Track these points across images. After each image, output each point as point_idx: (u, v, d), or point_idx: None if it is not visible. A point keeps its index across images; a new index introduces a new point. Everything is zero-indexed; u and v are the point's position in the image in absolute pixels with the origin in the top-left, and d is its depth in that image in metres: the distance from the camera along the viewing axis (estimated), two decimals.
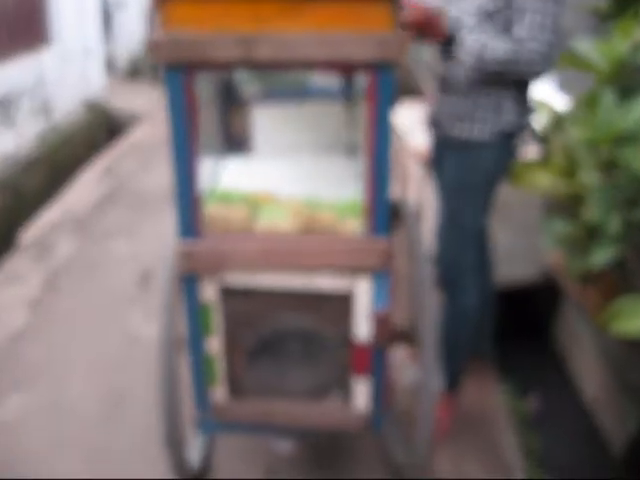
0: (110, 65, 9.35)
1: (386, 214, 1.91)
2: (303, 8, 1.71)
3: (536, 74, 2.20)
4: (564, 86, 4.05)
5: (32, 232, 5.19)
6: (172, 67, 1.76)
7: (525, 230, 3.47)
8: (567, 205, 3.01)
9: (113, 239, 4.88)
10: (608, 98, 2.14)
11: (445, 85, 2.47)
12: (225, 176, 2.38)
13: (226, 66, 1.79)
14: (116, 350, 3.54)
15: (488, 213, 2.58)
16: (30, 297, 4.21)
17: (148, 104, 8.55)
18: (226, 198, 2.07)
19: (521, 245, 3.48)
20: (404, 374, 3.03)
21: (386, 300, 1.98)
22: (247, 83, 2.67)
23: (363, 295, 1.99)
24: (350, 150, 2.60)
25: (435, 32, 2.19)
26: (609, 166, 2.16)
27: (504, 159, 2.50)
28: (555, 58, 2.19)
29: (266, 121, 2.65)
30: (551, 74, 4.40)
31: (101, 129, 7.96)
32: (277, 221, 2.02)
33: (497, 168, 2.49)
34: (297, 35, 1.71)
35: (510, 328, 3.24)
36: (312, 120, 2.63)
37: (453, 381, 2.74)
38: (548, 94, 3.94)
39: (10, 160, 6.06)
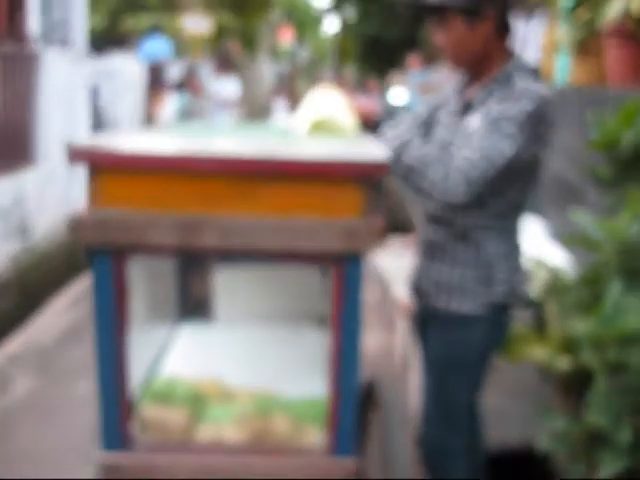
0: None
1: (353, 426, 1.59)
2: (257, 189, 1.44)
3: (452, 193, 1.92)
4: (557, 235, 3.85)
5: None
6: (98, 250, 1.48)
7: (517, 393, 3.18)
8: (566, 384, 2.70)
9: (74, 379, 4.51)
10: (615, 290, 1.86)
11: (429, 249, 2.22)
12: (172, 355, 2.07)
13: (164, 252, 1.51)
14: None
15: (479, 392, 2.26)
16: None
17: None
18: (165, 396, 1.75)
19: (512, 409, 3.19)
20: None
21: None
22: None
23: None
24: (324, 321, 2.30)
25: (366, 116, 2.20)
26: (617, 367, 1.86)
27: (496, 333, 2.23)
28: (486, 192, 1.95)
29: (230, 284, 2.37)
30: (542, 222, 4.22)
31: (83, 250, 7.70)
32: (223, 427, 1.69)
33: (489, 343, 2.21)
34: (250, 220, 1.43)
35: None
36: (283, 285, 2.35)
37: None
38: (540, 246, 3.71)
39: None
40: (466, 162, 1.91)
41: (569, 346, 2.50)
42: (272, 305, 2.34)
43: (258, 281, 2.34)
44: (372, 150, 1.49)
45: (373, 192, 1.45)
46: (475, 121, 2.02)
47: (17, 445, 3.75)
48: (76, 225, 1.44)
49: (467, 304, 2.13)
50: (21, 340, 5.18)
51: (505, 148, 1.91)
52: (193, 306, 2.43)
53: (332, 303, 1.49)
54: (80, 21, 9.70)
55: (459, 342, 2.17)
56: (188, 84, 7.41)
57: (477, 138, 1.94)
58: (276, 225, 1.43)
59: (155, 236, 1.44)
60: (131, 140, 1.48)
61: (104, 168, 1.43)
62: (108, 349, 1.53)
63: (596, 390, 2.01)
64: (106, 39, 13.86)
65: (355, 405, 1.56)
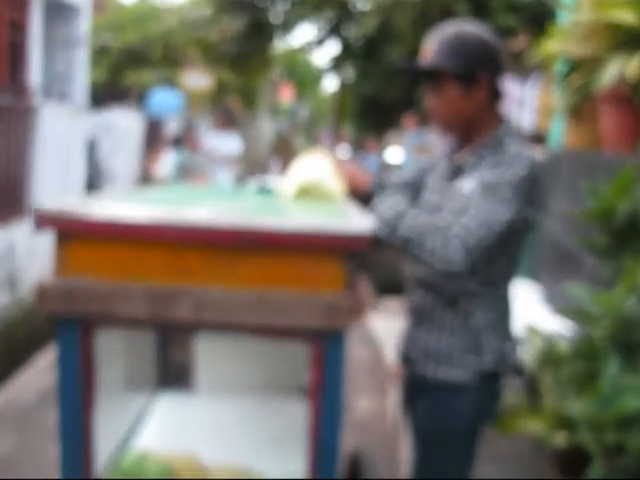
0: None
1: None
2: (233, 260, 1.36)
3: (452, 262, 1.85)
4: (552, 300, 3.77)
5: None
6: (64, 321, 1.39)
7: (511, 465, 3.06)
8: (563, 460, 2.59)
9: (53, 440, 4.35)
10: (612, 369, 1.78)
11: (417, 315, 2.14)
12: (147, 428, 1.96)
13: (135, 324, 1.42)
14: None
15: (469, 467, 2.15)
16: None
17: None
18: (133, 474, 1.64)
19: None
20: None
21: None
22: None
23: None
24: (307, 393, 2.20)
25: (356, 185, 2.14)
26: (615, 450, 1.76)
27: (486, 403, 2.13)
28: (481, 259, 1.88)
29: (211, 353, 2.27)
30: (537, 287, 4.14)
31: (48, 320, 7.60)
32: None
33: (478, 413, 2.12)
34: (225, 293, 1.35)
35: None
36: (266, 355, 2.25)
37: None
38: (534, 311, 3.63)
39: None
40: (464, 229, 1.85)
41: (565, 422, 2.40)
42: (254, 375, 2.24)
43: (240, 351, 2.24)
44: (355, 220, 1.42)
45: (356, 265, 1.37)
46: (468, 185, 1.97)
47: None
48: (41, 294, 1.36)
49: (455, 372, 2.05)
50: (2, 398, 5.05)
51: (502, 213, 1.87)
52: (173, 374, 2.33)
53: (311, 379, 1.40)
54: (81, 75, 9.79)
55: (447, 412, 2.08)
56: (186, 140, 7.39)
57: (473, 204, 1.89)
58: (253, 299, 1.35)
59: (125, 307, 1.36)
60: (102, 205, 1.41)
61: (71, 234, 1.36)
62: (71, 426, 1.44)
63: (594, 472, 1.90)
64: (107, 93, 13.98)
65: None
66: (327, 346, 1.37)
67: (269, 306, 1.34)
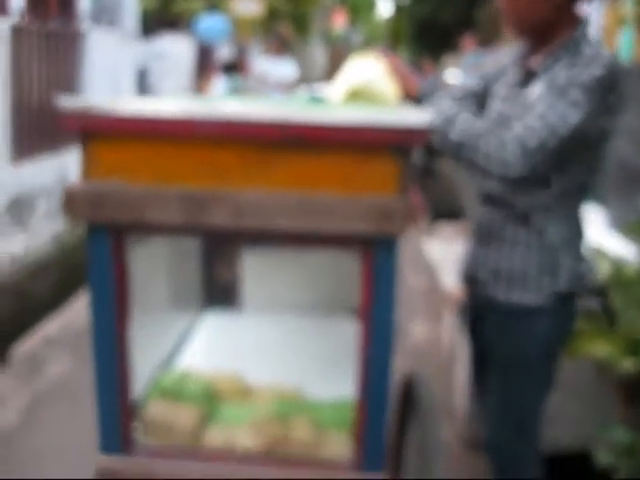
0: None
1: (382, 437, 1.37)
2: (275, 160, 1.23)
3: (509, 165, 1.70)
4: (619, 224, 3.57)
5: (26, 347, 4.77)
6: (94, 229, 1.29)
7: (572, 392, 2.93)
8: (630, 388, 2.44)
9: None
10: None
11: (485, 234, 1.99)
12: (191, 347, 1.88)
13: (168, 231, 1.31)
14: None
15: (548, 392, 2.04)
16: (6, 426, 3.73)
17: None
18: (174, 393, 1.56)
19: (565, 408, 2.94)
20: None
21: None
22: None
23: None
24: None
25: (407, 87, 1.99)
26: None
27: (563, 326, 2.02)
28: (542, 165, 1.74)
29: (258, 269, 2.17)
30: (603, 211, 3.92)
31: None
32: (236, 430, 1.49)
33: (555, 337, 2.01)
34: (265, 196, 1.22)
35: None
36: (316, 270, 2.14)
37: None
38: (601, 235, 3.43)
39: (18, 263, 5.70)
40: (525, 130, 1.70)
41: (634, 347, 2.25)
42: (302, 294, 2.13)
43: (289, 266, 2.14)
44: (410, 115, 1.26)
45: (410, 165, 1.23)
46: (538, 89, 1.80)
47: (46, 431, 3.65)
48: (68, 200, 1.26)
49: (530, 295, 1.92)
50: (58, 322, 5.12)
51: (570, 116, 1.69)
52: (219, 293, 2.24)
53: (361, 294, 1.27)
54: (131, 2, 9.61)
55: (523, 338, 1.96)
56: (239, 65, 7.26)
57: (540, 106, 1.73)
58: (296, 202, 1.21)
59: (157, 213, 1.25)
60: (133, 103, 1.28)
61: (97, 133, 1.24)
62: (106, 340, 1.35)
63: None
64: (157, 20, 13.78)
65: (386, 412, 1.35)
66: (378, 255, 1.24)
67: (313, 210, 1.21)
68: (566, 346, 2.10)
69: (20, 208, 5.75)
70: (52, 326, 5.01)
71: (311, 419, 1.50)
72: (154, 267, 1.84)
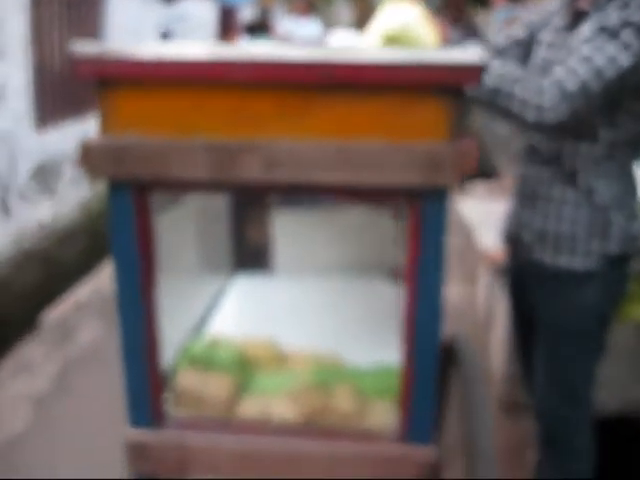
0: None
1: (431, 406, 1.27)
2: (312, 105, 1.11)
3: (548, 111, 1.55)
4: None
5: (56, 313, 4.75)
6: (115, 185, 1.19)
7: (615, 355, 2.82)
8: None
9: None
10: None
11: (530, 193, 1.86)
12: (222, 312, 1.79)
13: (196, 187, 1.20)
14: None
15: (600, 359, 1.93)
16: (37, 393, 3.72)
17: None
18: (205, 361, 1.47)
19: (609, 372, 2.83)
20: None
21: None
22: None
23: None
24: (399, 273, 1.98)
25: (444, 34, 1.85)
26: None
27: (615, 290, 1.89)
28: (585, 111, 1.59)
29: (291, 230, 2.06)
30: None
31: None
32: (273, 400, 1.40)
33: (606, 303, 1.87)
34: (302, 146, 1.11)
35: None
36: (351, 230, 2.03)
37: None
38: None
39: (45, 230, 5.66)
40: (567, 73, 1.54)
41: None
42: (338, 254, 2.03)
43: (323, 226, 2.02)
44: (459, 54, 1.13)
45: (462, 108, 1.10)
46: (587, 30, 1.64)
47: (78, 397, 3.63)
48: (85, 155, 1.15)
49: (579, 259, 1.79)
50: (88, 288, 5.09)
51: (620, 58, 1.53)
52: (250, 256, 2.14)
53: (408, 251, 1.16)
54: None
55: (572, 304, 1.83)
56: (264, 26, 7.11)
57: (586, 48, 1.57)
58: (335, 152, 1.10)
59: (182, 167, 1.14)
60: (154, 48, 1.17)
61: (115, 81, 1.13)
62: (132, 306, 1.25)
63: None
64: None
65: (434, 380, 1.24)
66: (426, 208, 1.12)
67: (354, 160, 1.09)
68: (617, 310, 1.98)
69: (46, 175, 5.70)
70: (82, 292, 4.99)
71: (353, 387, 1.40)
72: (182, 228, 1.74)
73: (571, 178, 1.76)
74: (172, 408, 1.38)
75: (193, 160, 1.13)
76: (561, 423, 1.99)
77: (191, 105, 1.13)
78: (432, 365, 1.23)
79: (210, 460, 1.30)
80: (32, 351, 4.18)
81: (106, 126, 1.17)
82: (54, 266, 5.68)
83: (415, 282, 1.18)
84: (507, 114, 1.60)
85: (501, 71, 1.58)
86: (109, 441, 3.14)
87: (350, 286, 1.94)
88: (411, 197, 1.12)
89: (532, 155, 1.84)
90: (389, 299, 1.87)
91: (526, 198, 1.88)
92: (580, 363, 1.92)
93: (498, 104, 1.59)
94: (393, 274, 1.97)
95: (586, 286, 1.80)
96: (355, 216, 2.00)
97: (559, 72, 1.56)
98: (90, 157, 1.15)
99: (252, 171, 1.12)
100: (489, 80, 1.57)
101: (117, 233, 1.21)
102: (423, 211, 1.12)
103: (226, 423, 1.36)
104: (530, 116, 1.55)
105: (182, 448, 1.30)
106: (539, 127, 1.60)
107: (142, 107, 1.15)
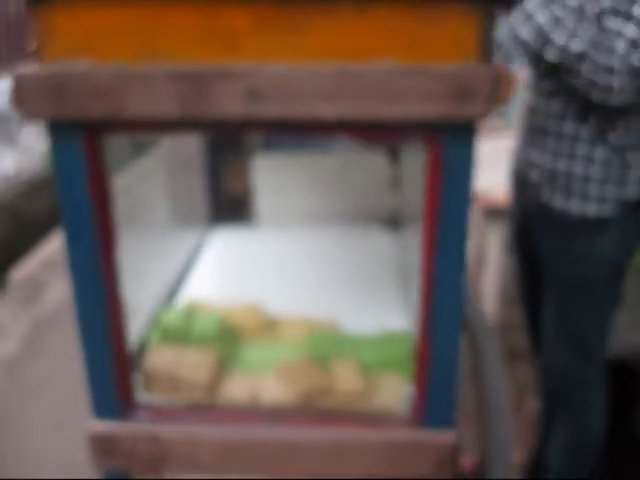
0: None
1: (452, 384, 1.07)
2: (306, 21, 0.87)
3: (611, 92, 1.40)
4: None
5: (23, 271, 4.50)
6: (58, 127, 0.95)
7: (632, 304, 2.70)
8: None
9: None
10: None
11: (540, 131, 1.66)
12: (198, 274, 1.57)
13: (159, 128, 0.96)
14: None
15: (614, 311, 1.76)
16: (7, 356, 3.53)
17: None
18: (180, 333, 1.25)
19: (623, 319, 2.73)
20: None
21: None
22: None
23: None
24: (399, 222, 1.77)
25: None
26: None
27: (630, 240, 1.70)
28: None
29: (274, 177, 1.84)
30: None
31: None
32: (262, 377, 1.19)
33: (622, 254, 1.70)
34: (292, 70, 0.87)
35: None
36: (342, 175, 1.81)
37: None
38: None
39: (9, 183, 5.36)
40: (630, 46, 1.36)
41: None
42: (329, 201, 1.81)
43: (310, 171, 1.80)
44: None
45: (494, 21, 0.87)
46: None
47: (48, 359, 3.45)
48: (19, 91, 0.91)
49: (592, 205, 1.61)
50: (57, 244, 4.85)
51: None
52: (229, 206, 1.92)
53: (426, 198, 0.94)
54: None
55: (583, 254, 1.67)
56: None
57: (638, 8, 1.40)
58: (335, 77, 0.86)
59: (143, 102, 0.90)
60: None
61: None
62: (86, 270, 1.03)
63: None
64: None
65: (457, 349, 1.04)
66: (451, 148, 0.90)
67: (358, 86, 0.86)
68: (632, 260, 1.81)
69: (7, 124, 5.39)
70: (50, 249, 4.73)
71: (355, 360, 1.20)
72: (149, 179, 1.51)
73: (585, 115, 1.56)
74: (143, 393, 1.17)
75: (155, 92, 0.89)
76: (573, 380, 1.84)
77: (150, 22, 0.89)
78: (455, 332, 1.02)
79: (189, 454, 1.09)
80: (0, 312, 3.97)
81: (44, 53, 0.92)
82: (19, 221, 5.39)
83: (435, 235, 0.96)
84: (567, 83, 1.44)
85: (562, 41, 1.40)
86: (84, 403, 2.98)
87: (343, 238, 1.73)
88: (431, 134, 0.89)
89: (542, 85, 1.63)
90: (388, 251, 1.67)
91: (535, 134, 1.69)
92: (593, 317, 1.76)
93: (562, 76, 1.42)
94: (392, 224, 1.76)
95: (599, 234, 1.65)
96: (345, 158, 1.78)
97: (621, 46, 1.37)
98: (24, 94, 0.91)
99: (229, 104, 0.88)
100: (551, 53, 1.39)
101: (64, 188, 0.98)
102: (447, 151, 0.90)
103: (208, 409, 1.15)
104: (596, 96, 1.40)
105: (156, 441, 1.09)
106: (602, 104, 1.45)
107: (88, 26, 0.90)
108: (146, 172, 1.50)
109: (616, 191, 1.60)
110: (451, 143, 0.89)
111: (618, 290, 1.77)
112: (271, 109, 0.88)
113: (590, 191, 1.60)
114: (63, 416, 2.83)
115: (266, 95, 0.87)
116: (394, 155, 1.79)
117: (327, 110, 0.87)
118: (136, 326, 1.27)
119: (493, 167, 2.95)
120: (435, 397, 1.07)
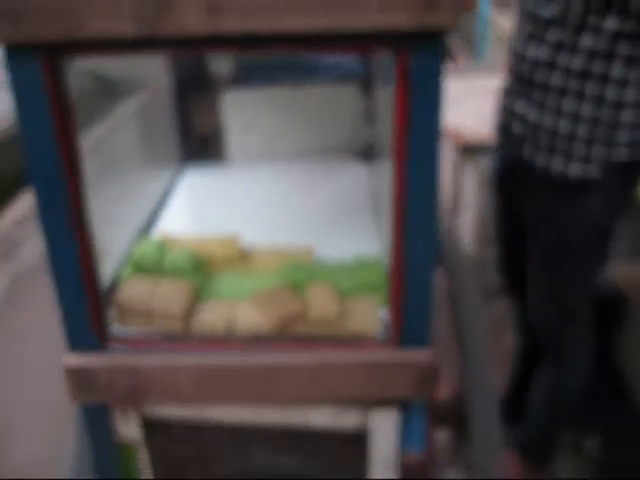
0: None
1: (427, 306, 1.07)
2: None
3: None
4: None
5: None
6: (15, 51, 0.92)
7: None
8: None
9: None
10: None
11: (527, 80, 1.56)
12: (171, 209, 1.55)
13: (120, 47, 0.93)
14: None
15: (601, 272, 1.73)
16: None
17: None
18: (154, 265, 1.24)
19: None
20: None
21: (421, 440, 1.17)
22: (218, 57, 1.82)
23: (384, 434, 1.16)
24: (369, 153, 1.76)
25: None
26: None
27: (616, 204, 1.62)
28: None
29: (244, 112, 1.81)
30: None
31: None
32: (237, 306, 1.19)
33: (609, 217, 1.62)
34: None
35: None
36: (313, 110, 1.79)
37: (542, 454, 2.01)
38: None
39: None
40: None
41: None
42: (301, 136, 1.79)
43: (282, 106, 1.77)
44: None
45: None
46: None
47: (28, 313, 3.45)
48: None
49: (576, 164, 1.52)
50: (28, 201, 4.81)
51: None
52: (200, 144, 1.89)
53: (395, 116, 0.92)
54: None
55: (567, 217, 1.59)
56: None
57: None
58: None
59: (100, 20, 0.87)
60: None
61: None
62: (54, 207, 1.01)
63: None
64: None
65: (432, 272, 1.04)
66: (418, 60, 0.88)
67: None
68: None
69: None
70: (23, 205, 4.70)
71: (331, 285, 1.20)
72: (117, 116, 1.48)
73: (580, 67, 1.45)
74: (118, 325, 1.17)
75: (112, 9, 0.86)
76: (557, 336, 1.82)
77: None
78: (428, 255, 1.02)
79: (167, 384, 1.09)
80: None
81: None
82: None
83: (405, 156, 0.95)
84: None
85: None
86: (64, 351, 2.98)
87: (317, 171, 1.71)
88: (398, 45, 0.88)
89: (534, 29, 1.52)
90: (362, 183, 1.66)
91: (521, 83, 1.59)
92: (578, 280, 1.70)
93: None
94: (363, 155, 1.75)
95: (583, 197, 1.55)
96: (317, 92, 1.76)
97: None
98: None
99: (190, 20, 0.86)
100: None
101: (25, 119, 0.95)
102: (415, 62, 0.88)
103: (184, 338, 1.15)
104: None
105: (133, 372, 1.09)
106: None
107: None
108: (120, 120, 1.48)
109: (602, 152, 1.50)
110: (419, 53, 0.88)
111: (604, 254, 1.70)
112: (233, 24, 0.85)
113: (574, 150, 1.50)
114: (45, 364, 2.84)
115: (227, 9, 0.85)
116: (367, 88, 1.76)
117: (292, 23, 0.85)
118: (112, 262, 1.26)
119: (469, 105, 2.92)
120: (410, 318, 1.07)
